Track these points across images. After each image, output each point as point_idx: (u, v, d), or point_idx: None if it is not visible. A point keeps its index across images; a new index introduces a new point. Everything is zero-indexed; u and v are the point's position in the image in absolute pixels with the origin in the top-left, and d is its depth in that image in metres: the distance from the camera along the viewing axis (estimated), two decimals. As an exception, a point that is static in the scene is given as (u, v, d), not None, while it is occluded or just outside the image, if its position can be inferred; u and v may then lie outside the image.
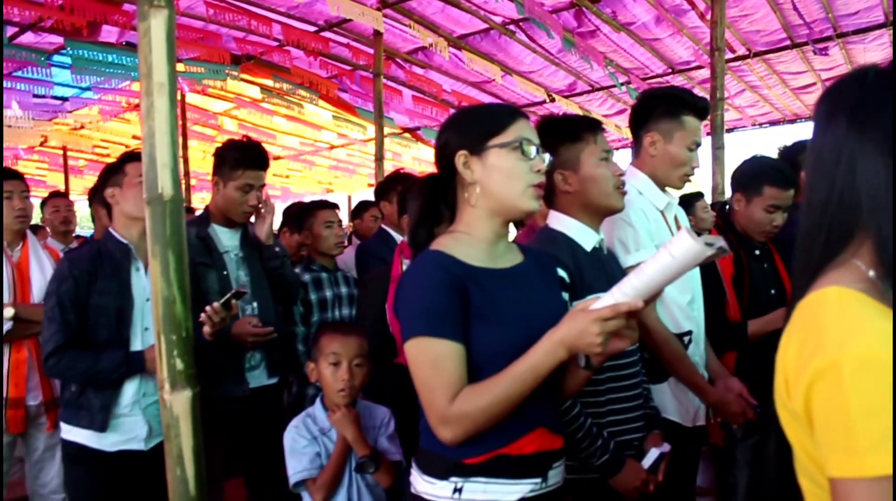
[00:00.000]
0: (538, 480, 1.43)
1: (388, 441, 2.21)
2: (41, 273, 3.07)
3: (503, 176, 1.45)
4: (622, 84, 7.55)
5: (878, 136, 0.88)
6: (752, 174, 2.63)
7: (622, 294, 1.24)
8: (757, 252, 2.63)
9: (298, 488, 2.14)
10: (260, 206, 2.79)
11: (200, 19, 6.21)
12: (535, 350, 1.31)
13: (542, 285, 1.54)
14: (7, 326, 2.92)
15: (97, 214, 3.58)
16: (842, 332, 0.82)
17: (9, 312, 2.92)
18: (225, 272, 2.70)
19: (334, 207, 3.43)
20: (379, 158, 6.24)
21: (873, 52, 6.97)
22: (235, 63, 6.97)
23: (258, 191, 2.77)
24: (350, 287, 3.35)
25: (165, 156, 1.65)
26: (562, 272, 1.70)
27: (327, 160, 11.73)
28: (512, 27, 6.85)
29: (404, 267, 2.38)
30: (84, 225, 13.86)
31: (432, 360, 1.34)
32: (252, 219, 2.85)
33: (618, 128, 9.30)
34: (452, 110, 8.55)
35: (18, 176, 3.20)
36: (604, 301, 1.26)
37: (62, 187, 10.09)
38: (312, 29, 6.61)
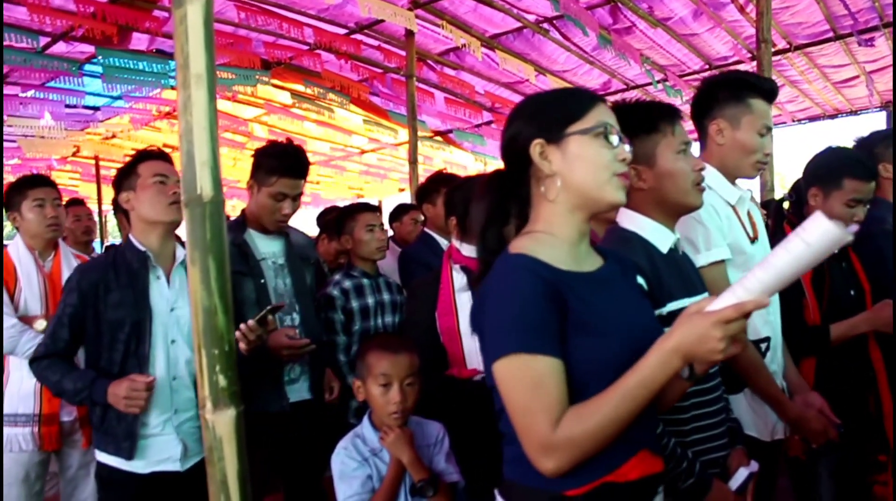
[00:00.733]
0: None
1: (444, 461, 2.06)
2: (73, 283, 2.96)
3: (586, 166, 1.30)
4: (658, 82, 7.34)
5: None
6: (831, 167, 2.45)
7: (745, 291, 1.09)
8: (835, 250, 2.44)
9: None
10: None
11: (231, 24, 6.14)
12: (645, 362, 1.15)
13: (629, 289, 1.38)
14: (39, 339, 2.82)
15: (121, 223, 3.49)
16: None
17: (40, 324, 2.83)
18: (262, 281, 2.56)
19: (376, 209, 3.28)
20: (413, 161, 6.11)
21: (921, 42, 6.70)
22: (266, 68, 6.89)
23: (293, 200, 2.62)
24: (393, 293, 3.20)
25: (204, 153, 1.51)
26: (640, 279, 1.53)
27: (358, 165, 11.65)
28: (546, 25, 6.69)
29: (455, 273, 2.24)
30: (115, 236, 13.95)
31: (532, 380, 1.18)
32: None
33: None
34: (485, 112, 8.45)
35: (50, 183, 3.10)
36: (723, 300, 1.11)
37: (94, 198, 10.10)
38: (343, 32, 6.51)
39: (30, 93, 6.97)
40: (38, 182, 3.03)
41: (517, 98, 8.22)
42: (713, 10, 6.23)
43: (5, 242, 3.67)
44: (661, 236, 1.74)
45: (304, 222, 6.20)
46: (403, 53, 6.48)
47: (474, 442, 2.15)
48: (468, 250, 2.22)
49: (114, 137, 9.42)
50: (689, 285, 1.72)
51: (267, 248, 2.66)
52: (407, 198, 6.46)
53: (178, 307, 2.31)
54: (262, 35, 6.52)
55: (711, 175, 2.09)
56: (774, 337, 2.10)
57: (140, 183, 2.32)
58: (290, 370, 2.60)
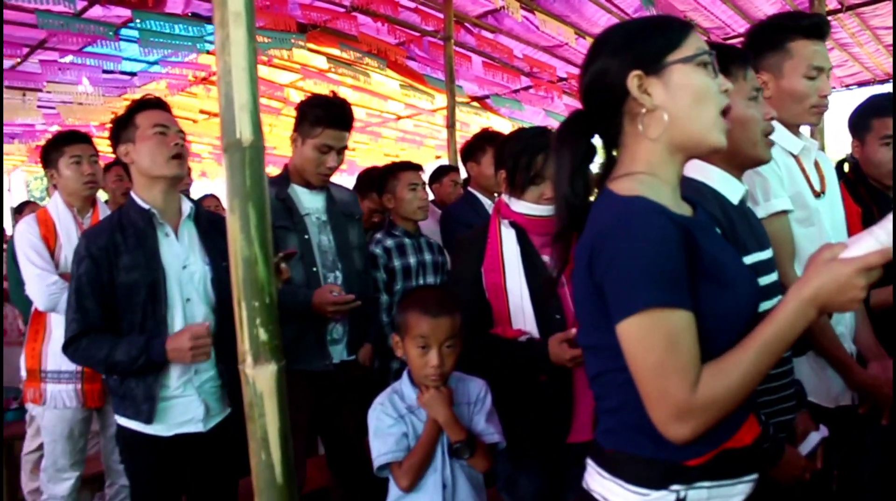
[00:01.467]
0: (755, 476, 1.19)
1: (484, 420, 1.98)
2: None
3: (693, 97, 1.18)
4: (703, 44, 7.11)
5: None
6: (858, 114, 2.44)
7: (887, 235, 1.00)
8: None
9: (383, 471, 1.93)
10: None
11: (267, -15, 6.05)
12: (781, 312, 1.06)
13: (723, 238, 1.29)
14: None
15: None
16: None
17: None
18: (307, 236, 2.51)
19: (418, 168, 3.21)
20: (451, 125, 6.00)
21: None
22: (302, 31, 6.80)
23: (338, 153, 2.56)
24: (434, 254, 3.14)
25: (244, 95, 1.44)
26: (717, 231, 1.44)
27: (394, 132, 11.55)
28: (587, -14, 6.52)
29: (503, 229, 2.15)
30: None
31: (668, 337, 1.06)
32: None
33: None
34: (524, 77, 8.27)
35: (87, 139, 3.06)
36: (863, 245, 1.03)
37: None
38: (381, -8, 6.39)
39: (68, 58, 6.98)
40: (74, 139, 3.00)
41: (556, 62, 8.04)
42: (762, -33, 6.00)
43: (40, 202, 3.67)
44: (731, 188, 1.65)
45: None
46: (441, 16, 6.35)
47: (518, 403, 2.08)
48: (517, 206, 2.13)
49: (151, 103, 9.44)
50: (760, 238, 1.62)
51: (311, 203, 2.61)
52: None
53: (190, 264, 2.23)
54: (299, -3, 6.43)
55: None
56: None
57: (139, 134, 2.21)
58: (333, 330, 2.55)
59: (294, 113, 2.67)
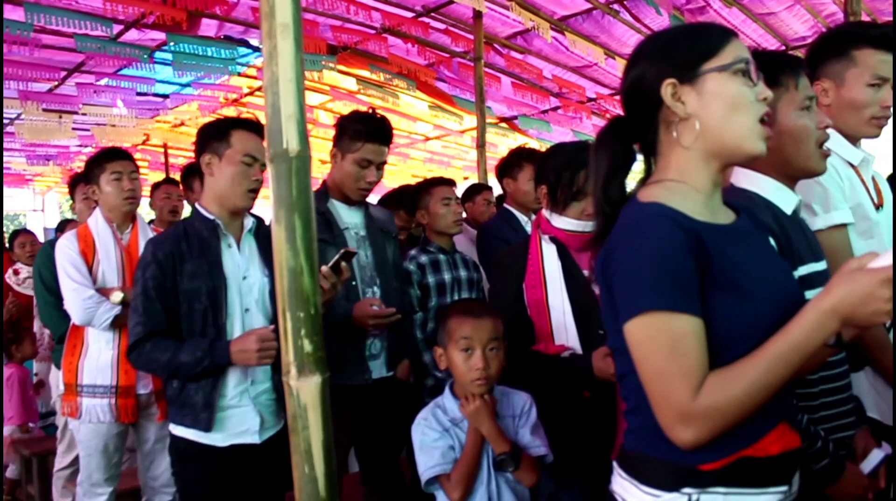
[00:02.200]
0: (784, 488, 1.15)
1: (530, 433, 1.95)
2: (151, 257, 2.96)
3: (727, 106, 1.17)
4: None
5: None
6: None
7: None
8: None
9: (432, 486, 1.90)
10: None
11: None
12: (799, 324, 1.03)
13: (768, 247, 1.26)
14: (116, 310, 2.83)
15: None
16: None
17: (117, 296, 2.84)
18: None
19: (451, 183, 3.21)
20: (481, 145, 6.00)
21: None
22: (332, 53, 6.87)
23: (377, 168, 2.57)
24: (469, 270, 3.12)
25: (291, 106, 1.44)
26: (771, 240, 1.40)
27: (422, 153, 11.60)
28: (616, 6, 6.51)
29: (544, 244, 2.13)
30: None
31: (671, 341, 1.06)
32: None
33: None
34: (552, 98, 8.28)
35: (128, 156, 3.10)
36: (891, 257, 0.99)
37: (164, 185, 10.27)
38: (411, 15, 6.44)
39: (103, 81, 7.11)
40: (116, 155, 3.04)
41: (585, 83, 8.04)
42: (793, -14, 5.96)
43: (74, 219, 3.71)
44: (784, 198, 1.61)
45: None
46: (471, 37, 6.38)
47: (561, 419, 2.05)
48: (558, 221, 2.11)
49: (182, 124, 9.57)
50: (815, 249, 1.58)
51: (349, 218, 2.63)
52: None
53: (250, 275, 2.28)
54: (330, 19, 6.50)
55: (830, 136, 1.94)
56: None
57: (228, 154, 2.25)
58: (371, 345, 2.55)
59: (322, 134, 2.69)
